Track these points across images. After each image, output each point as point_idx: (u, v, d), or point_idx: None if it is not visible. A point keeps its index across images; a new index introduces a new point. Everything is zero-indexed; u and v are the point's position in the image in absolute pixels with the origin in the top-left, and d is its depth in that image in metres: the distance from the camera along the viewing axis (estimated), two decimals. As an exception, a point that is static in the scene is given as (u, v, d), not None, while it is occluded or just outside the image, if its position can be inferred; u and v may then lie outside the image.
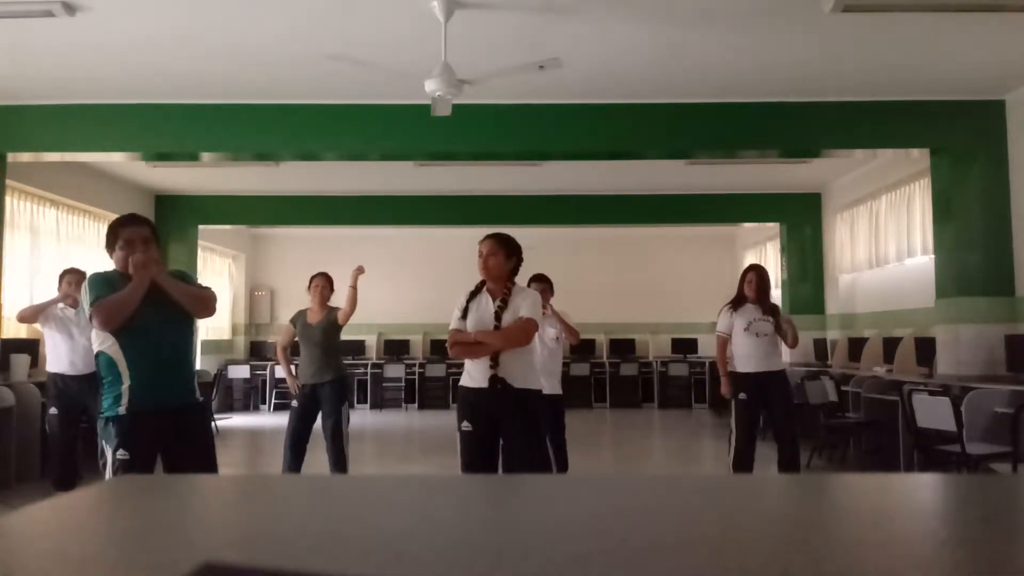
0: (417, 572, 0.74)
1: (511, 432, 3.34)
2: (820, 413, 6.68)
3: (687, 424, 10.13)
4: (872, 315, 8.51)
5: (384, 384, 12.00)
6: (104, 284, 2.96)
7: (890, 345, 7.06)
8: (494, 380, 3.30)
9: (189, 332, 3.21)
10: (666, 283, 12.59)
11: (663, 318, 12.53)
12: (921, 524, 1.03)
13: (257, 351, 12.16)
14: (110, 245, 3.06)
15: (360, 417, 10.91)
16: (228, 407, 11.44)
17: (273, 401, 11.68)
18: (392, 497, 1.18)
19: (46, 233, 7.84)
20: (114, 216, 9.55)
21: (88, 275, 3.06)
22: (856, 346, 7.80)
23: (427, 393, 12.01)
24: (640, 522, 0.97)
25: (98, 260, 8.74)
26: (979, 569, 0.77)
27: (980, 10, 4.55)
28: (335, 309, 5.15)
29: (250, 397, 11.96)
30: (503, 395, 3.30)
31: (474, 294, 3.48)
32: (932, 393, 4.97)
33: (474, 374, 3.38)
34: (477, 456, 3.35)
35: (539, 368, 4.94)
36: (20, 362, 6.14)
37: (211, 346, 11.26)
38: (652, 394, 11.94)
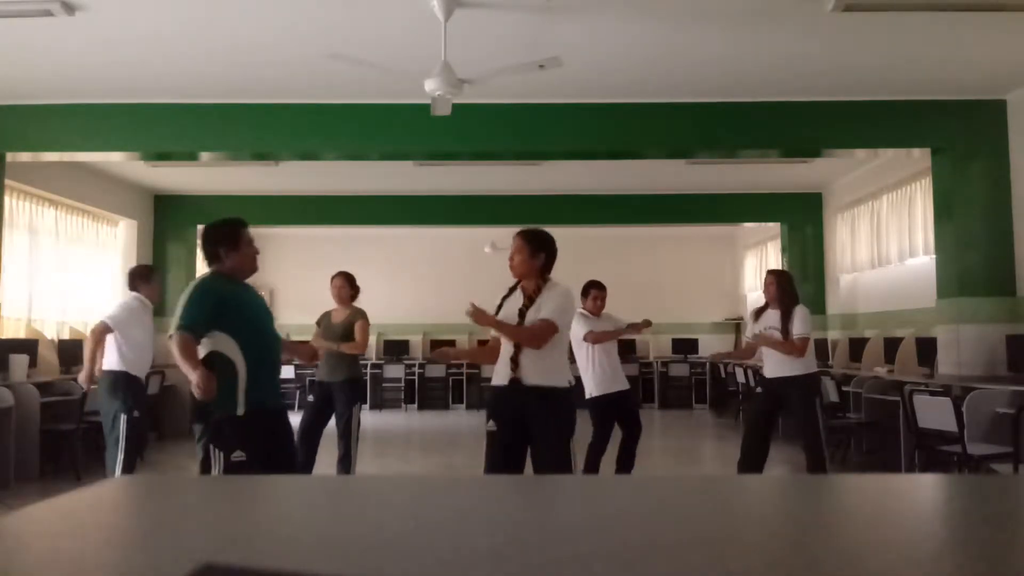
0: (417, 572, 0.74)
1: (534, 432, 3.27)
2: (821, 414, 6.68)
3: (687, 424, 10.13)
4: (873, 315, 8.51)
5: (384, 384, 12.00)
6: (207, 304, 2.96)
7: (891, 345, 7.06)
8: (512, 381, 3.26)
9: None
10: (666, 283, 12.58)
11: (663, 318, 12.50)
12: (922, 525, 1.03)
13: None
14: (231, 244, 3.09)
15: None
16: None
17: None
18: (392, 497, 1.18)
19: (45, 233, 7.84)
20: (112, 216, 9.45)
21: (200, 281, 3.05)
22: (857, 346, 7.79)
23: (427, 393, 12.01)
24: (641, 523, 0.97)
25: (97, 260, 8.75)
26: (980, 570, 0.77)
27: (981, 9, 4.55)
28: (360, 311, 5.17)
29: (250, 397, 11.94)
30: (524, 394, 3.25)
31: (511, 291, 3.45)
32: (933, 393, 4.97)
33: (499, 372, 3.34)
34: (500, 456, 3.27)
35: (605, 368, 5.01)
36: (19, 363, 6.13)
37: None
38: (652, 394, 11.94)
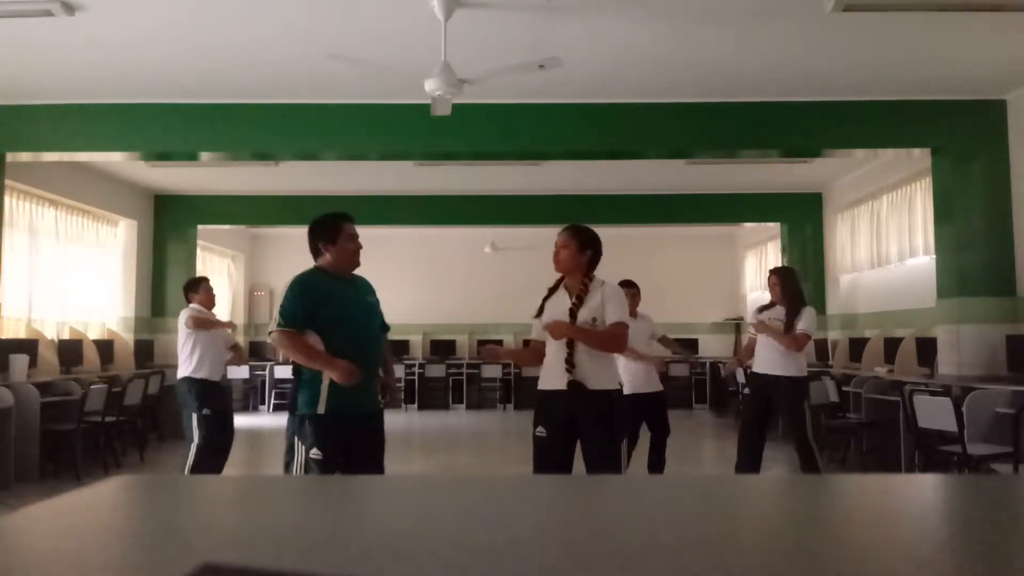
0: (417, 572, 0.74)
1: (586, 434, 3.20)
2: (821, 414, 6.68)
3: (687, 424, 10.12)
4: (873, 315, 8.51)
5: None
6: (301, 299, 2.99)
7: (891, 345, 7.06)
8: (571, 385, 3.16)
9: (381, 336, 3.24)
10: (666, 283, 12.56)
11: (663, 318, 12.47)
12: (922, 525, 1.02)
13: (256, 351, 12.13)
14: (329, 238, 3.08)
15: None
16: (228, 407, 11.42)
17: (272, 402, 11.66)
18: (392, 497, 1.18)
19: (45, 233, 7.84)
20: (112, 216, 9.42)
21: (297, 277, 3.09)
22: (857, 346, 7.79)
23: (427, 393, 12.00)
24: (640, 523, 0.97)
25: (97, 260, 8.75)
26: (980, 570, 0.77)
27: (981, 9, 4.55)
28: None
29: (249, 398, 11.94)
30: (581, 398, 3.16)
31: (552, 291, 3.36)
32: (933, 393, 4.97)
33: (550, 376, 3.24)
34: (549, 462, 3.19)
35: (639, 368, 4.93)
36: (19, 362, 6.13)
37: (211, 346, 11.23)
38: (652, 394, 11.92)
